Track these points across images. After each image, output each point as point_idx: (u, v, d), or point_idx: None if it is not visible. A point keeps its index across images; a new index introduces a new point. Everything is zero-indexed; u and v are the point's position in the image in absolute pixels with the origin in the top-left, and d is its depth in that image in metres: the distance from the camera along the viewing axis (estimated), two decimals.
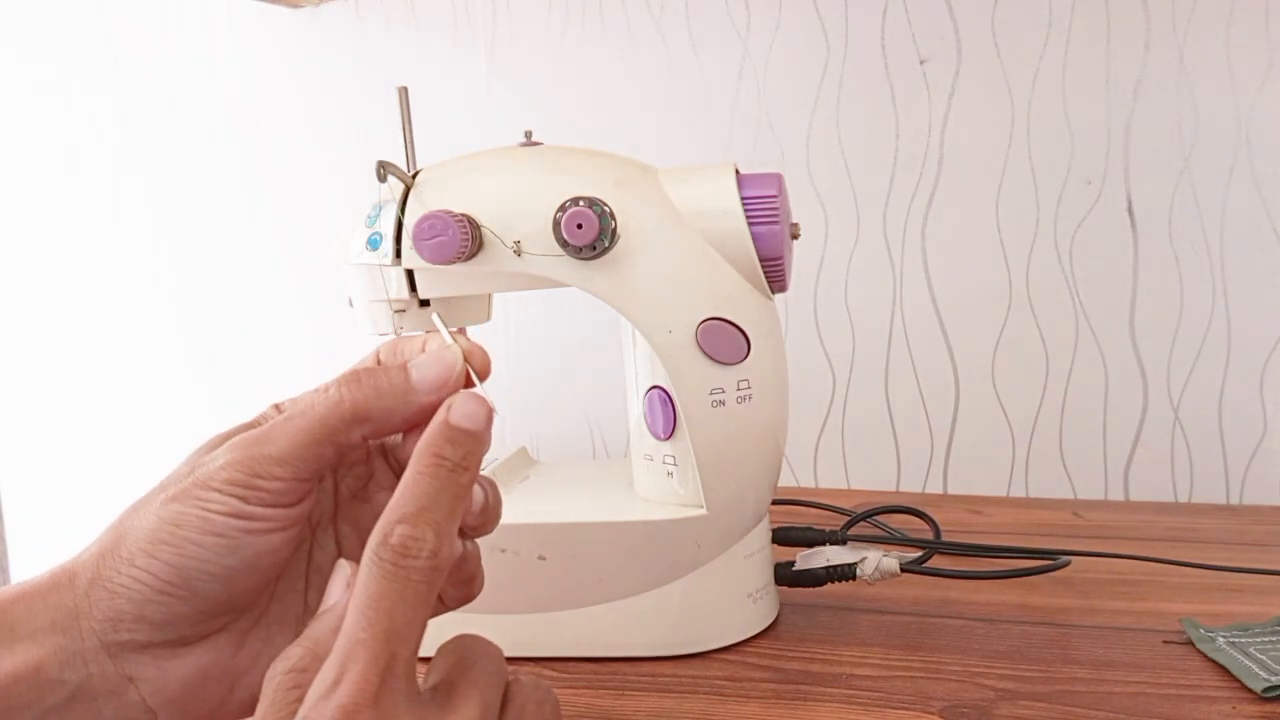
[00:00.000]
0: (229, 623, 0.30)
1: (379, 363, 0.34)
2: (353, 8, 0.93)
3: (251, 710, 0.30)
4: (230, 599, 0.29)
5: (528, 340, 0.92)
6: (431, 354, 0.31)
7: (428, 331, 0.34)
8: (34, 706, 0.27)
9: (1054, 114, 0.76)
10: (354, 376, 0.30)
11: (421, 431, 0.29)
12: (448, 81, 0.91)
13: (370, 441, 0.32)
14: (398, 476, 0.31)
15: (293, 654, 0.26)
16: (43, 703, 0.27)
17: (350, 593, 0.27)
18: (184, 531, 0.28)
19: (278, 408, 0.33)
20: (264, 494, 0.28)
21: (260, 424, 0.31)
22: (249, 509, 0.28)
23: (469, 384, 0.31)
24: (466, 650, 0.28)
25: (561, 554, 0.50)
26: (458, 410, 0.27)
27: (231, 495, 0.28)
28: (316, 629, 0.27)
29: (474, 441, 0.27)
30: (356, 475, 0.34)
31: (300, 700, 0.24)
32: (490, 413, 0.28)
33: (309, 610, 0.32)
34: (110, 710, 0.28)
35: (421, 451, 0.27)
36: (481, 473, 0.32)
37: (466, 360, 0.31)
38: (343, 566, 0.29)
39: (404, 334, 0.52)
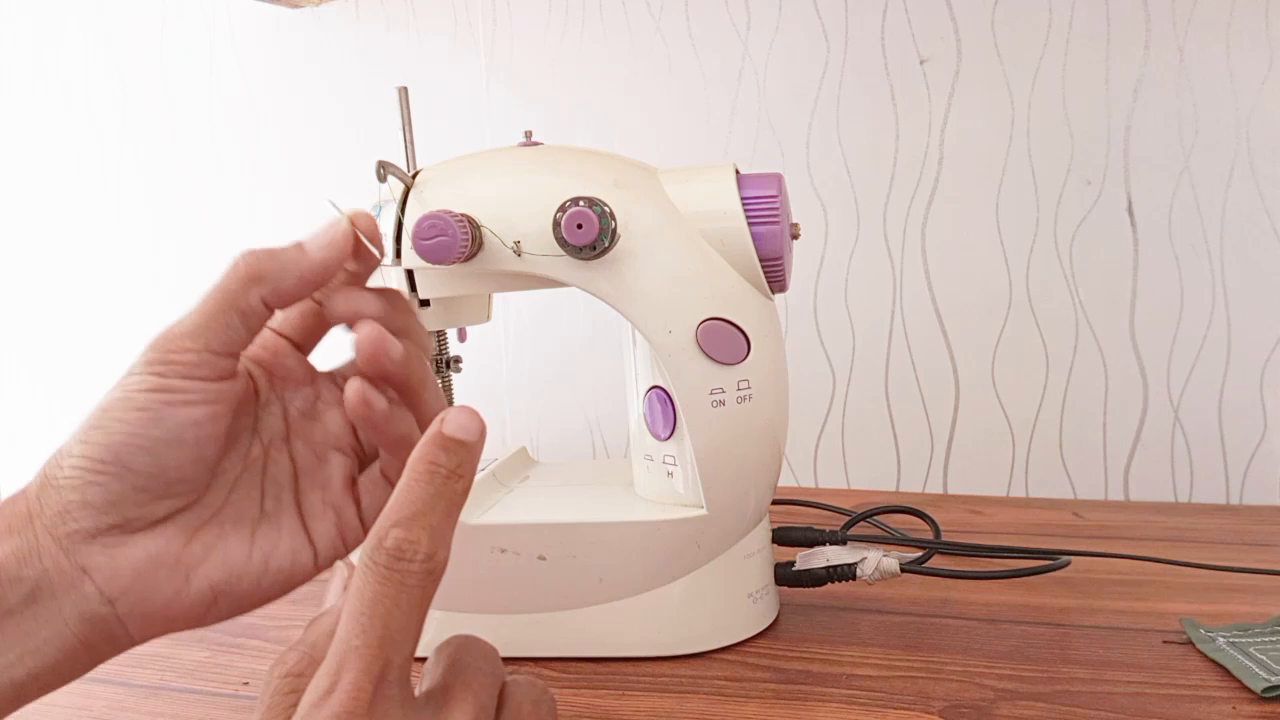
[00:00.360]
0: (175, 511, 0.31)
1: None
2: (353, 8, 0.93)
3: (206, 610, 0.31)
4: (163, 473, 0.30)
5: (528, 340, 0.92)
6: (323, 225, 0.33)
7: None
8: None
9: (1054, 114, 0.76)
10: (249, 248, 0.32)
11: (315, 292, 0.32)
12: (448, 81, 0.91)
13: (273, 308, 0.33)
14: (380, 434, 0.33)
15: (289, 658, 0.26)
16: (4, 601, 0.28)
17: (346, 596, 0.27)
18: (110, 412, 0.30)
19: None
20: (178, 366, 0.30)
21: None
22: (165, 382, 0.30)
23: (358, 245, 0.33)
24: (461, 651, 0.28)
25: (561, 554, 0.50)
26: (451, 422, 0.28)
27: (149, 373, 0.30)
28: (313, 632, 0.27)
29: (467, 451, 0.28)
30: (304, 395, 0.35)
31: (295, 705, 0.24)
32: (483, 426, 0.28)
33: (265, 515, 0.33)
34: (69, 604, 0.29)
35: (416, 459, 0.27)
36: (481, 472, 0.32)
37: (352, 223, 0.33)
38: (339, 569, 0.29)
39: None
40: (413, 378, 0.33)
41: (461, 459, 0.27)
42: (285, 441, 0.34)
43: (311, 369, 0.35)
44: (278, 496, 0.33)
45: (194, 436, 0.30)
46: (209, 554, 0.31)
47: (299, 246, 0.32)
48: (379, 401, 0.32)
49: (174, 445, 0.30)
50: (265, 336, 0.35)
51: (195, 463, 0.31)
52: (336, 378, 0.36)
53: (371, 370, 0.32)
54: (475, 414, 0.28)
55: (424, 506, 0.26)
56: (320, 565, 0.33)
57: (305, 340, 0.36)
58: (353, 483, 0.34)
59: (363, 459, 0.35)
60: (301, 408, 0.35)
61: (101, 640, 0.30)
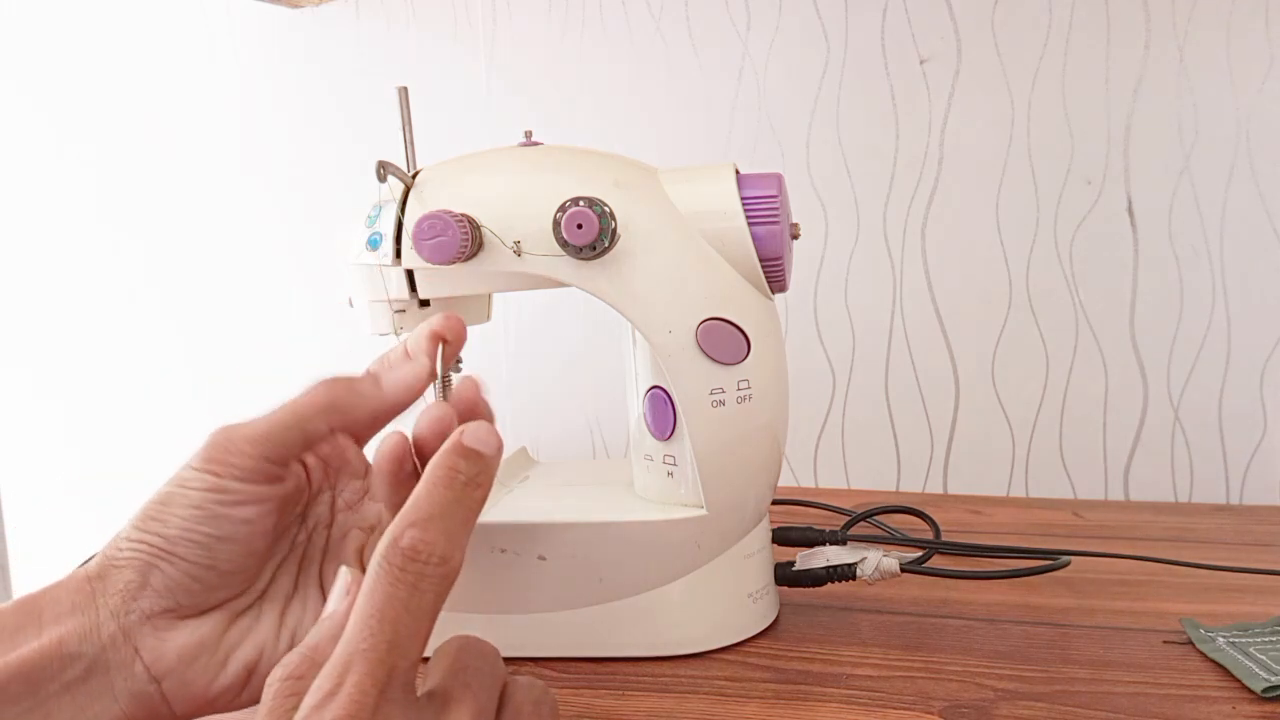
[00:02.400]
0: (224, 600, 0.32)
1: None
2: (353, 8, 0.93)
3: (241, 689, 0.32)
4: (215, 565, 0.31)
5: (528, 340, 0.92)
6: (401, 360, 0.35)
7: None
8: (57, 679, 0.29)
9: (1054, 114, 0.76)
10: (332, 379, 0.34)
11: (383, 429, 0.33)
12: (448, 81, 0.91)
13: (340, 436, 0.35)
14: (393, 490, 0.34)
15: (291, 660, 0.26)
16: (64, 675, 0.30)
17: (350, 600, 0.27)
18: (169, 507, 0.31)
19: None
20: (234, 469, 0.31)
21: None
22: (220, 482, 0.31)
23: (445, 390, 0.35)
24: (462, 653, 0.28)
25: (561, 554, 0.50)
26: (470, 434, 0.29)
27: (207, 471, 0.31)
28: (316, 635, 0.27)
29: (485, 463, 0.28)
30: (354, 489, 0.36)
31: (296, 708, 0.24)
32: (500, 442, 0.30)
33: (296, 592, 0.34)
34: (121, 681, 0.30)
35: (436, 464, 0.28)
36: None
37: (442, 338, 0.35)
38: (343, 574, 0.30)
39: (404, 332, 0.52)
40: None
41: (480, 469, 0.28)
42: (328, 527, 0.35)
43: (365, 461, 0.36)
44: (308, 572, 0.35)
45: (245, 534, 0.32)
46: (244, 639, 0.32)
47: (377, 383, 0.34)
48: (408, 464, 0.33)
49: (225, 541, 0.31)
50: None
51: (246, 556, 0.32)
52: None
53: (435, 440, 0.33)
54: (493, 429, 0.30)
55: (441, 510, 0.26)
56: None
57: (363, 434, 0.37)
58: (361, 551, 0.35)
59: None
60: (349, 499, 0.36)
61: (147, 716, 0.31)
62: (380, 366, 0.36)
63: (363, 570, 0.34)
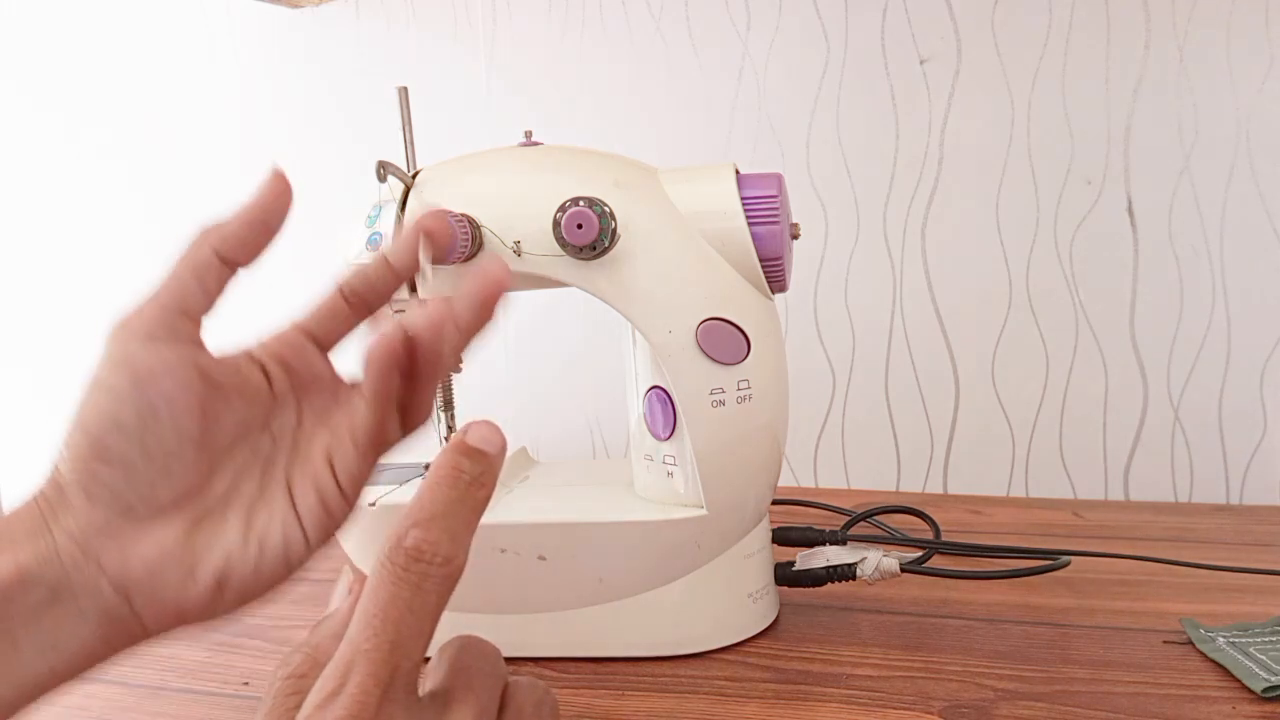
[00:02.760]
0: (180, 497, 0.31)
1: (338, 288, 0.38)
2: (353, 8, 0.93)
3: (212, 599, 0.31)
4: (146, 450, 0.30)
5: (528, 340, 0.92)
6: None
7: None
8: (20, 605, 0.29)
9: (1054, 114, 0.76)
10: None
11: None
12: (448, 81, 0.91)
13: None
14: (365, 401, 0.34)
15: (293, 660, 0.26)
16: (27, 600, 0.29)
17: (353, 599, 0.27)
18: (88, 406, 0.30)
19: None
20: (134, 332, 0.31)
21: None
22: (124, 350, 0.31)
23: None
24: (464, 653, 0.28)
25: (561, 554, 0.50)
26: (474, 433, 0.28)
27: (112, 346, 0.31)
28: (318, 635, 0.27)
29: (489, 462, 0.28)
30: (321, 395, 0.35)
31: (298, 707, 0.24)
32: (504, 442, 0.29)
33: (263, 497, 0.33)
34: (88, 600, 0.30)
35: (439, 464, 0.27)
36: None
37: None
38: (345, 574, 0.29)
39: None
40: (441, 365, 0.33)
41: (485, 468, 0.28)
42: (293, 434, 0.34)
43: (335, 372, 0.36)
44: (273, 477, 0.33)
45: (167, 410, 0.31)
46: (211, 543, 0.31)
47: (242, 208, 0.36)
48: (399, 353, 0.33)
49: (148, 419, 0.30)
50: (289, 335, 0.35)
51: (177, 435, 0.31)
52: (356, 384, 0.36)
53: (429, 332, 0.33)
54: (497, 428, 0.29)
55: (445, 509, 0.26)
56: (311, 544, 0.33)
57: (326, 337, 0.36)
58: (329, 456, 0.34)
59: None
60: (318, 407, 0.35)
61: (118, 634, 0.30)
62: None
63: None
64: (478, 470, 0.28)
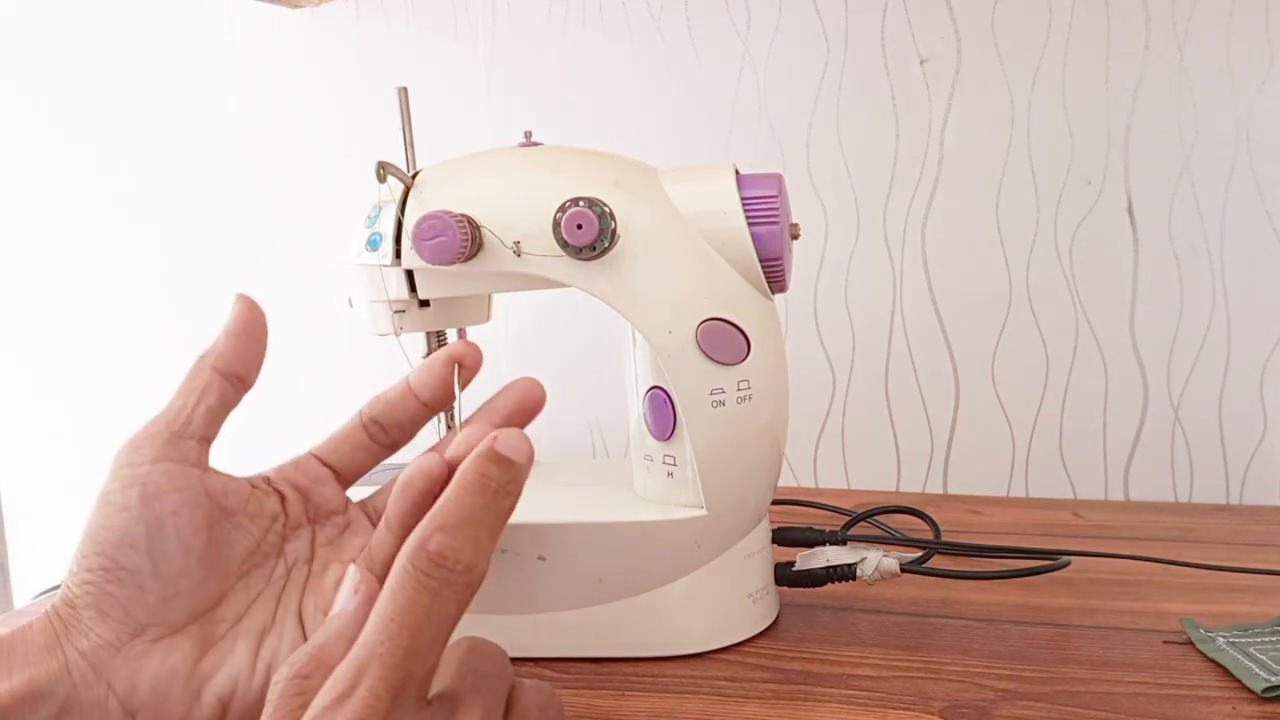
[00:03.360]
0: (191, 618, 0.32)
1: (360, 416, 0.37)
2: (353, 8, 0.93)
3: None
4: (157, 569, 0.31)
5: (528, 340, 0.92)
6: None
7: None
8: (29, 718, 0.29)
9: (1054, 114, 0.76)
10: None
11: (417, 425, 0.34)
12: (448, 81, 0.91)
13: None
14: (389, 529, 0.34)
15: (298, 659, 0.26)
16: (36, 715, 0.29)
17: (360, 599, 0.27)
18: (102, 527, 0.31)
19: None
20: (144, 455, 0.32)
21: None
22: (135, 472, 0.31)
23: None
24: (470, 655, 0.28)
25: (561, 554, 0.50)
26: (503, 441, 0.28)
27: (120, 469, 0.31)
28: (324, 635, 0.27)
29: (516, 471, 0.28)
30: (335, 524, 0.35)
31: (304, 707, 0.24)
32: (532, 451, 0.29)
33: (275, 624, 0.33)
34: (95, 717, 0.30)
35: (467, 469, 0.27)
36: None
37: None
38: (352, 572, 0.30)
39: (403, 332, 0.52)
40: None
41: (511, 477, 0.28)
42: (308, 563, 0.35)
43: (346, 500, 0.36)
44: (287, 605, 0.34)
45: (174, 526, 0.31)
46: (218, 670, 0.32)
47: (227, 333, 0.36)
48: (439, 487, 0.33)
49: (158, 537, 0.31)
50: (305, 462, 0.36)
51: (184, 552, 0.31)
52: (368, 509, 0.36)
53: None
54: (526, 437, 0.29)
55: (470, 516, 0.26)
56: None
57: (345, 468, 0.36)
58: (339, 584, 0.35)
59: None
60: (330, 536, 0.35)
61: None
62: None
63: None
64: (505, 478, 0.27)
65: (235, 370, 0.35)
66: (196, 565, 0.32)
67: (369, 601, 0.28)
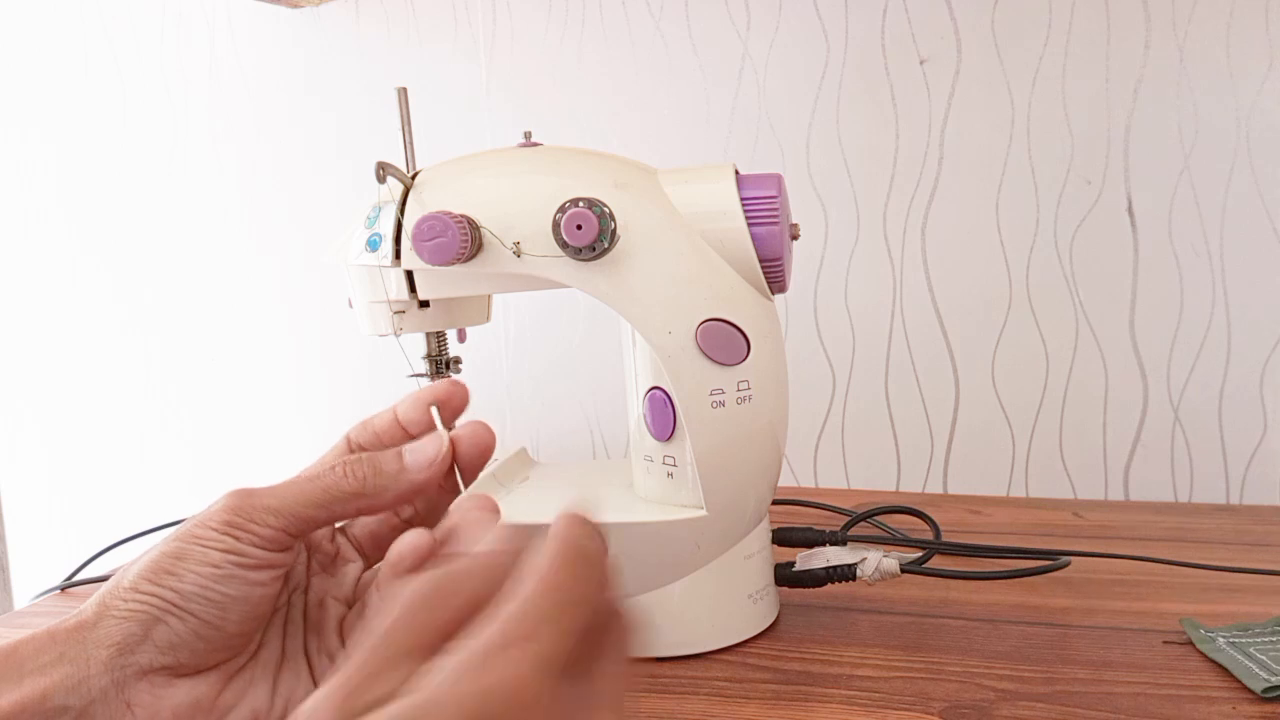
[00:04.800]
0: (222, 661, 0.32)
1: (348, 442, 0.37)
2: (353, 8, 0.93)
3: None
4: (225, 625, 0.31)
5: (528, 341, 0.92)
6: (423, 442, 0.35)
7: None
8: None
9: (1054, 114, 0.76)
10: (358, 460, 0.33)
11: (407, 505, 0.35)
12: (448, 81, 0.91)
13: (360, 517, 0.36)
14: (359, 551, 0.36)
15: (439, 582, 0.25)
16: None
17: (506, 550, 0.26)
18: (184, 562, 0.30)
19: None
20: (256, 537, 0.31)
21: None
22: (241, 546, 0.31)
23: (453, 465, 0.35)
24: (558, 566, 0.25)
25: None
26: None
27: (227, 534, 0.31)
28: (463, 569, 0.26)
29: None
30: (324, 552, 0.36)
31: (440, 630, 0.23)
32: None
33: (286, 659, 0.34)
34: None
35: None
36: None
37: (453, 445, 0.35)
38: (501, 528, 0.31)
39: (403, 333, 0.52)
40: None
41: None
42: (304, 590, 0.35)
43: (334, 530, 0.37)
44: (295, 639, 0.34)
45: (257, 597, 0.31)
46: (237, 702, 0.32)
47: (400, 462, 0.34)
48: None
49: (239, 602, 0.31)
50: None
51: (253, 619, 0.32)
52: (351, 538, 0.37)
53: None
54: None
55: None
56: None
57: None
58: (341, 627, 0.35)
59: (351, 605, 0.36)
60: (322, 561, 0.36)
61: None
62: (367, 429, 0.36)
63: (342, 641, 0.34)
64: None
65: (375, 507, 0.34)
66: (256, 624, 0.32)
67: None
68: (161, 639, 0.30)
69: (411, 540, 0.32)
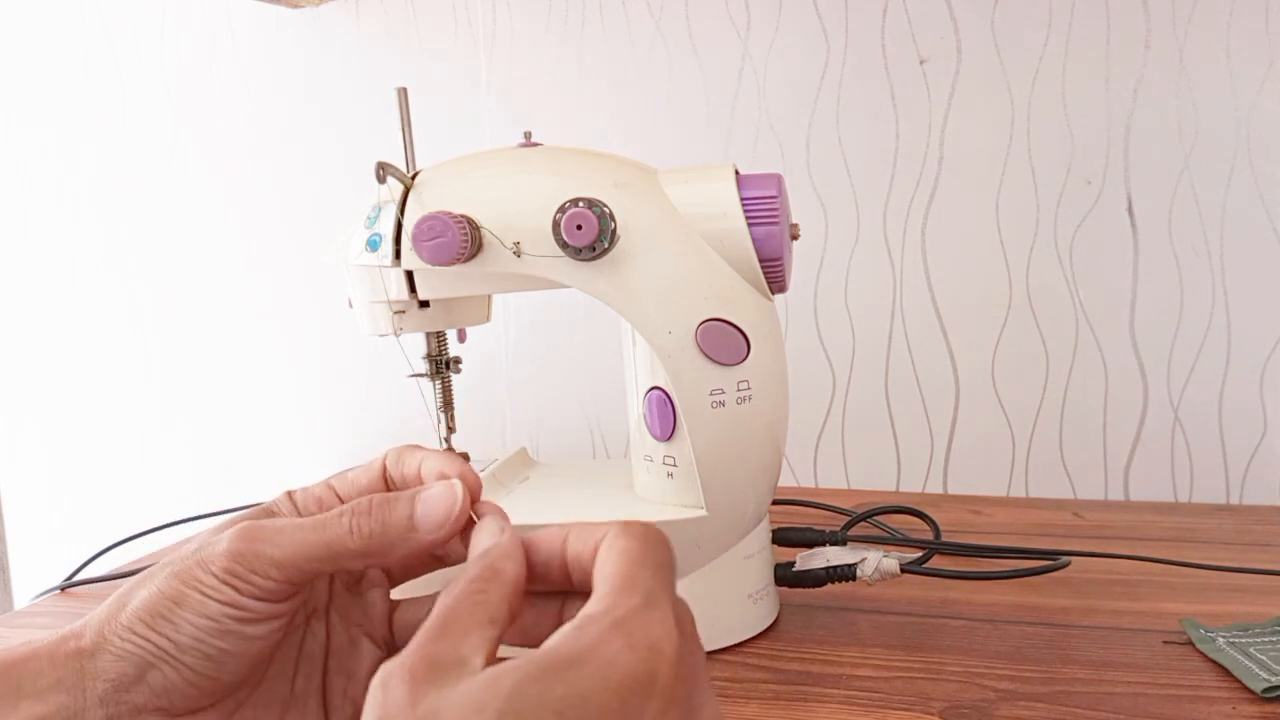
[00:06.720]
0: (219, 700, 0.31)
1: (385, 475, 0.35)
2: (353, 8, 0.93)
3: None
4: (221, 675, 0.30)
5: (528, 341, 0.92)
6: (436, 493, 0.32)
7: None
8: None
9: (1054, 114, 0.76)
10: (366, 509, 0.31)
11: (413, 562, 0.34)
12: (448, 81, 0.91)
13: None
14: (386, 574, 0.34)
15: (475, 567, 0.26)
16: None
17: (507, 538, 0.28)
18: (181, 611, 0.29)
19: (290, 496, 0.34)
20: (256, 589, 0.29)
21: (273, 512, 0.33)
22: (241, 599, 0.29)
23: (469, 521, 0.32)
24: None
25: None
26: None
27: (227, 584, 0.29)
28: (489, 556, 0.26)
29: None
30: (350, 571, 0.34)
31: (484, 607, 0.24)
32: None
33: (295, 695, 0.32)
34: None
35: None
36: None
37: (469, 496, 0.32)
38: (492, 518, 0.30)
39: (403, 333, 0.52)
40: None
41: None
42: (325, 613, 0.34)
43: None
44: (308, 676, 0.33)
45: (256, 649, 0.30)
46: None
47: (410, 520, 0.31)
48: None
49: (237, 656, 0.30)
50: (331, 505, 0.34)
51: (250, 669, 0.31)
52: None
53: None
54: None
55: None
56: None
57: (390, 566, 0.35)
58: (373, 674, 0.34)
59: (390, 650, 0.34)
60: (347, 582, 0.34)
61: None
62: (400, 463, 0.34)
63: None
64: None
65: (380, 564, 0.33)
66: (254, 672, 0.31)
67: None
68: (155, 684, 0.29)
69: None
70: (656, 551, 0.26)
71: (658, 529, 0.27)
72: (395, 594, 0.35)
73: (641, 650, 0.22)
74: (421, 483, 0.33)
